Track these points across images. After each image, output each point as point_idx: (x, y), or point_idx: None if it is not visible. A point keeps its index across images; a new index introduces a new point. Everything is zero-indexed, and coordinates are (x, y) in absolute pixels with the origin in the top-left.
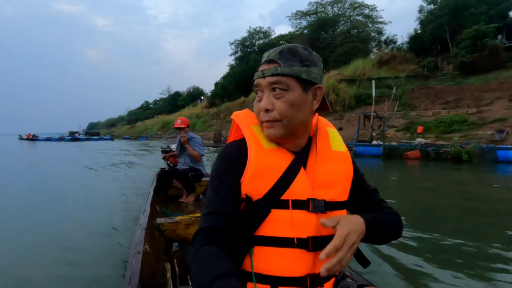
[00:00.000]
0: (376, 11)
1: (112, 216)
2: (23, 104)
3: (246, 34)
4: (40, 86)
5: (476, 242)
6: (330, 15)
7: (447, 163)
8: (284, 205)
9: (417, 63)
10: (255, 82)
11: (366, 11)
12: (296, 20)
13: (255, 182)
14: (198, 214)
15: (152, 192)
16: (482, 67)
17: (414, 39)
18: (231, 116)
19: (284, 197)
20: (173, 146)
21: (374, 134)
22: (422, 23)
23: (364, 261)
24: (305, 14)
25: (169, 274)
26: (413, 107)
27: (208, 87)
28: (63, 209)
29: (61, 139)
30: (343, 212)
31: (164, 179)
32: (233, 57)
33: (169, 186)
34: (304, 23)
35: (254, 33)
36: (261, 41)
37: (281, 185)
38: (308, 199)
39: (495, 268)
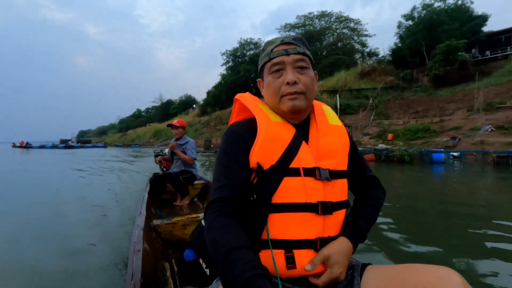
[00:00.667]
0: (361, 24)
1: (108, 219)
2: (10, 112)
3: (237, 45)
4: (28, 93)
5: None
6: (318, 28)
7: (394, 164)
8: (295, 172)
9: (396, 75)
10: (276, 60)
11: (352, 25)
12: (285, 32)
13: (266, 151)
14: (194, 215)
15: (146, 196)
16: (453, 80)
17: (395, 53)
18: (235, 97)
19: (293, 165)
20: (166, 151)
21: None
22: (402, 37)
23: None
24: (293, 26)
25: (168, 273)
26: (387, 116)
27: (200, 96)
28: (61, 212)
29: (54, 146)
30: (344, 181)
31: (157, 183)
32: (224, 67)
33: (163, 191)
34: (292, 34)
35: (245, 44)
36: (251, 52)
37: (289, 154)
38: (315, 168)
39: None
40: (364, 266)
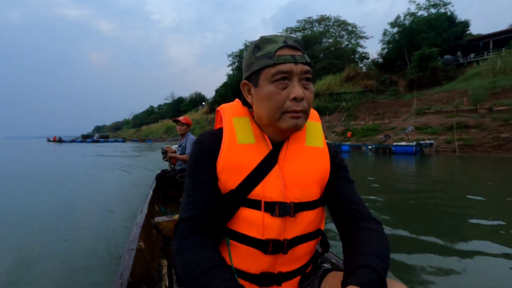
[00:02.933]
0: (356, 28)
1: (113, 215)
2: (30, 109)
3: (243, 46)
4: (44, 91)
5: None
6: (317, 31)
7: None
8: (251, 204)
9: (378, 79)
10: (284, 68)
11: (349, 28)
12: (288, 34)
13: (224, 177)
14: None
15: (151, 193)
16: (423, 84)
17: (382, 58)
18: (218, 108)
19: (253, 195)
20: (174, 147)
21: None
22: (389, 42)
23: (326, 246)
24: (294, 30)
25: (165, 270)
26: (355, 117)
27: (210, 93)
28: (70, 208)
29: (83, 141)
30: (315, 212)
31: (163, 179)
32: (230, 68)
33: (169, 187)
34: (293, 36)
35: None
36: None
37: (250, 182)
38: (275, 202)
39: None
40: (327, 271)
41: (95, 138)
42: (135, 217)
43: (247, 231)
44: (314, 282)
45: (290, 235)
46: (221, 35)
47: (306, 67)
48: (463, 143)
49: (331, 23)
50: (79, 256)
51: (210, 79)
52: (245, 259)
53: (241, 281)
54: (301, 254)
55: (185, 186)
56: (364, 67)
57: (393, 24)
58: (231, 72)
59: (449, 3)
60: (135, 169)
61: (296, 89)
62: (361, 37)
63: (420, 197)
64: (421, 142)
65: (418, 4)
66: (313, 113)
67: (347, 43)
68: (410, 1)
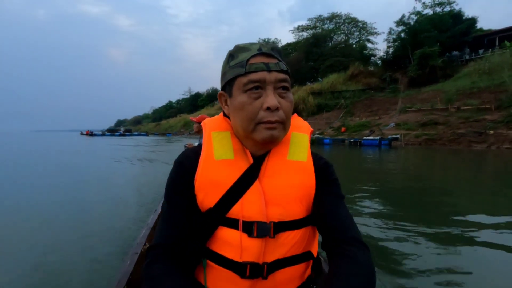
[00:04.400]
0: (366, 25)
1: (128, 213)
2: (55, 103)
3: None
4: (69, 85)
5: None
6: (329, 28)
7: (311, 145)
8: (229, 223)
9: (380, 76)
10: (255, 77)
11: (359, 25)
12: (299, 32)
13: (201, 195)
14: None
15: None
16: (422, 82)
17: (387, 55)
18: (201, 124)
19: (230, 214)
20: (196, 144)
21: None
22: (394, 40)
23: (317, 271)
24: (305, 28)
25: None
26: (352, 114)
27: None
28: (86, 205)
29: (112, 134)
30: (301, 232)
31: None
32: None
33: None
34: (305, 34)
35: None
36: None
37: (228, 199)
38: (252, 222)
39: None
40: None
41: (121, 131)
42: (148, 216)
43: (224, 252)
44: None
45: (270, 258)
46: (237, 28)
47: (282, 75)
48: (428, 138)
49: (342, 20)
50: (80, 255)
51: None
52: (221, 282)
53: None
54: (285, 279)
55: (161, 210)
56: (372, 65)
57: (398, 23)
58: None
59: (454, 2)
60: (161, 164)
61: (270, 99)
62: (372, 34)
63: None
64: (389, 136)
65: (424, 3)
66: (302, 124)
67: (357, 39)
68: (416, 0)
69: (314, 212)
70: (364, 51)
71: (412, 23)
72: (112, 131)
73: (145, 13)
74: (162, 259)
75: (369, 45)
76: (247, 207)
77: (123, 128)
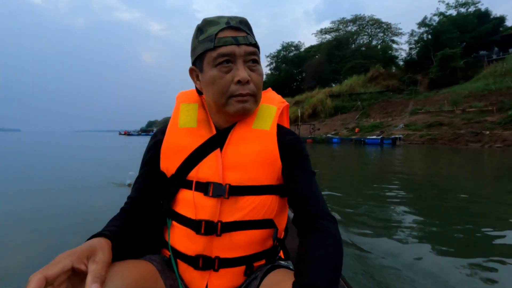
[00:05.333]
0: (390, 27)
1: None
2: (92, 105)
3: (280, 47)
4: (107, 88)
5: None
6: (352, 30)
7: (321, 144)
8: (188, 185)
9: (400, 78)
10: (224, 50)
11: (383, 26)
12: (322, 35)
13: (166, 160)
14: None
15: None
16: (441, 84)
17: (409, 57)
18: (176, 97)
19: (189, 177)
20: None
21: (309, 132)
22: (417, 42)
23: (279, 240)
24: (328, 31)
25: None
26: (368, 115)
27: None
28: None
29: (147, 134)
30: (261, 198)
31: None
32: (268, 68)
33: None
34: (328, 37)
35: (287, 47)
36: (292, 54)
37: (187, 165)
38: (208, 182)
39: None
40: (276, 267)
41: (154, 131)
42: None
43: (183, 211)
44: (258, 276)
45: (226, 218)
46: (263, 29)
47: (251, 48)
48: (430, 137)
49: (365, 22)
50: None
51: None
52: (181, 239)
53: (180, 262)
54: (243, 242)
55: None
56: (393, 67)
57: (420, 24)
58: (269, 72)
59: (478, 2)
60: None
61: (240, 72)
62: (396, 34)
63: (366, 164)
64: (392, 136)
65: (447, 4)
66: (275, 97)
67: (381, 41)
68: (439, 1)
69: (286, 186)
70: (389, 52)
71: (434, 24)
72: (146, 131)
73: (175, 17)
74: (126, 208)
75: (394, 45)
76: (203, 170)
77: (155, 128)
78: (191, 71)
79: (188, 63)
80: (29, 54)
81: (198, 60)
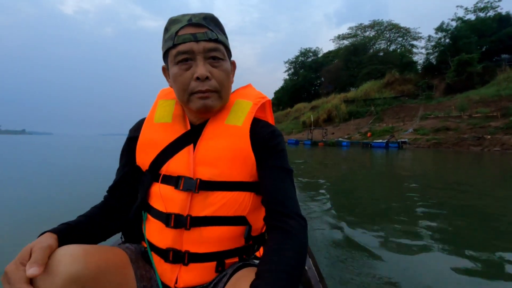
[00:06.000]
0: (409, 31)
1: None
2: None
3: (298, 53)
4: (129, 92)
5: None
6: (369, 36)
7: (331, 147)
8: (158, 178)
9: (416, 83)
10: (182, 48)
11: (402, 31)
12: (340, 40)
13: (141, 154)
14: None
15: None
16: (458, 89)
17: (427, 62)
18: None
19: (162, 171)
20: None
21: (323, 136)
22: (434, 47)
23: (251, 239)
24: (346, 37)
25: None
26: (381, 120)
27: (269, 93)
28: None
29: None
30: (232, 195)
31: None
32: (287, 73)
33: None
34: (346, 42)
35: (305, 52)
36: (310, 59)
37: (160, 159)
38: (179, 176)
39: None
40: (246, 265)
41: None
42: None
43: (155, 205)
44: (228, 273)
45: (196, 212)
46: (283, 34)
47: (211, 44)
48: (436, 141)
49: (383, 27)
50: None
51: (271, 78)
52: (153, 232)
53: (153, 255)
54: (213, 238)
55: None
56: (410, 72)
57: (438, 29)
58: (287, 77)
59: (497, 6)
60: None
61: (199, 68)
62: (415, 38)
63: (369, 164)
64: (399, 140)
65: (466, 8)
66: (252, 93)
67: (399, 45)
68: (457, 6)
69: (259, 182)
70: (409, 55)
71: (452, 29)
72: None
73: None
74: (105, 200)
75: (414, 50)
76: (175, 164)
77: None
78: (163, 69)
79: None
80: (60, 62)
81: (164, 59)
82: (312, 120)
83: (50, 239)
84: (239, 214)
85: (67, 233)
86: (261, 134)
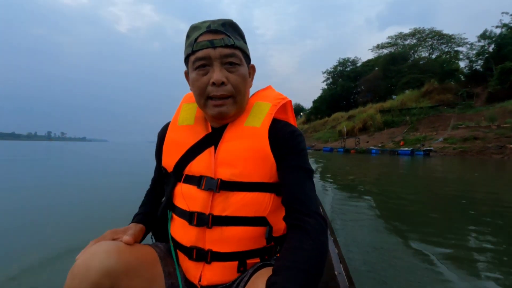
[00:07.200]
0: (454, 38)
1: None
2: (162, 117)
3: (336, 63)
4: (175, 103)
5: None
6: (411, 44)
7: (362, 154)
8: (184, 179)
9: (456, 92)
10: (200, 54)
11: (446, 38)
12: (379, 50)
13: (166, 156)
14: None
15: None
16: (501, 98)
17: (469, 70)
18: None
19: (186, 171)
20: None
21: (355, 144)
22: (477, 54)
23: (273, 240)
24: (385, 46)
25: None
26: (416, 129)
27: (307, 101)
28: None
29: None
30: (253, 195)
31: None
32: (325, 83)
33: None
34: (385, 51)
35: (343, 62)
36: (348, 69)
37: (185, 160)
38: (201, 176)
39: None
40: (266, 265)
41: None
42: None
43: (179, 204)
44: (249, 273)
45: (218, 212)
46: (321, 40)
47: (227, 50)
48: (462, 150)
49: (425, 35)
50: None
51: (309, 85)
52: (178, 230)
53: (179, 252)
54: (234, 237)
55: None
56: (451, 80)
57: (481, 37)
58: (325, 87)
59: None
60: None
61: (215, 74)
62: (461, 45)
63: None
64: (425, 148)
65: None
66: (272, 94)
67: (443, 53)
68: (503, 13)
69: (280, 183)
70: (455, 62)
71: (496, 36)
72: None
73: None
74: (149, 189)
75: (461, 56)
76: (198, 165)
77: None
78: (185, 74)
79: (255, 77)
80: (115, 75)
81: (186, 64)
82: (345, 130)
83: (140, 225)
84: (260, 214)
85: (147, 220)
86: (281, 134)
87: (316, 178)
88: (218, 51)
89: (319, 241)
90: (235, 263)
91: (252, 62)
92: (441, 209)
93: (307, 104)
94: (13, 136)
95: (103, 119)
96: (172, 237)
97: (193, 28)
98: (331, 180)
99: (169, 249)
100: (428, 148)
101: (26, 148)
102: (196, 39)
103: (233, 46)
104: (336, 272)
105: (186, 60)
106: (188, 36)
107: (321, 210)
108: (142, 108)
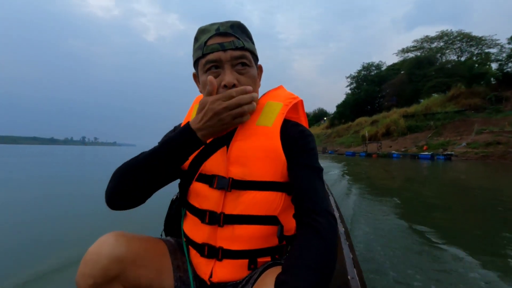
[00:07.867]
0: (484, 39)
1: None
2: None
3: (360, 67)
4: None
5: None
6: (438, 47)
7: (383, 158)
8: (198, 178)
9: (485, 96)
10: (211, 57)
11: (476, 41)
12: (404, 53)
13: None
14: None
15: None
16: None
17: (501, 73)
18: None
19: (201, 170)
20: None
21: (377, 149)
22: (509, 56)
23: (284, 238)
24: (410, 50)
25: None
26: (440, 134)
27: (331, 105)
28: None
29: None
30: (264, 194)
31: None
32: (349, 88)
33: None
34: (411, 55)
35: (367, 67)
36: (372, 73)
37: (199, 159)
38: (213, 175)
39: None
40: (275, 264)
41: None
42: None
43: (192, 202)
44: (258, 270)
45: (229, 210)
46: (345, 43)
47: (237, 53)
48: (483, 154)
49: (452, 37)
50: None
51: (333, 89)
52: (190, 227)
53: (190, 248)
54: (245, 236)
55: None
56: (480, 83)
57: (511, 39)
58: (349, 91)
59: None
60: None
61: (226, 76)
62: (491, 46)
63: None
64: (445, 153)
65: None
66: (283, 94)
67: (474, 55)
68: None
69: (290, 182)
70: (486, 63)
71: None
72: None
73: (260, 41)
74: None
75: (493, 57)
76: (211, 164)
77: None
78: (194, 76)
79: (274, 84)
80: (143, 82)
81: (195, 67)
82: (367, 135)
83: None
84: (271, 213)
85: None
86: (291, 134)
87: (336, 178)
88: (228, 53)
89: (329, 240)
90: (246, 261)
91: (276, 66)
92: (469, 212)
93: (331, 109)
94: (52, 141)
95: (132, 125)
96: (184, 233)
97: (202, 31)
98: (351, 182)
99: (179, 244)
100: (449, 153)
101: (65, 153)
102: (205, 42)
103: (242, 48)
104: (349, 277)
105: (196, 63)
106: (196, 39)
107: (331, 209)
108: (167, 113)
